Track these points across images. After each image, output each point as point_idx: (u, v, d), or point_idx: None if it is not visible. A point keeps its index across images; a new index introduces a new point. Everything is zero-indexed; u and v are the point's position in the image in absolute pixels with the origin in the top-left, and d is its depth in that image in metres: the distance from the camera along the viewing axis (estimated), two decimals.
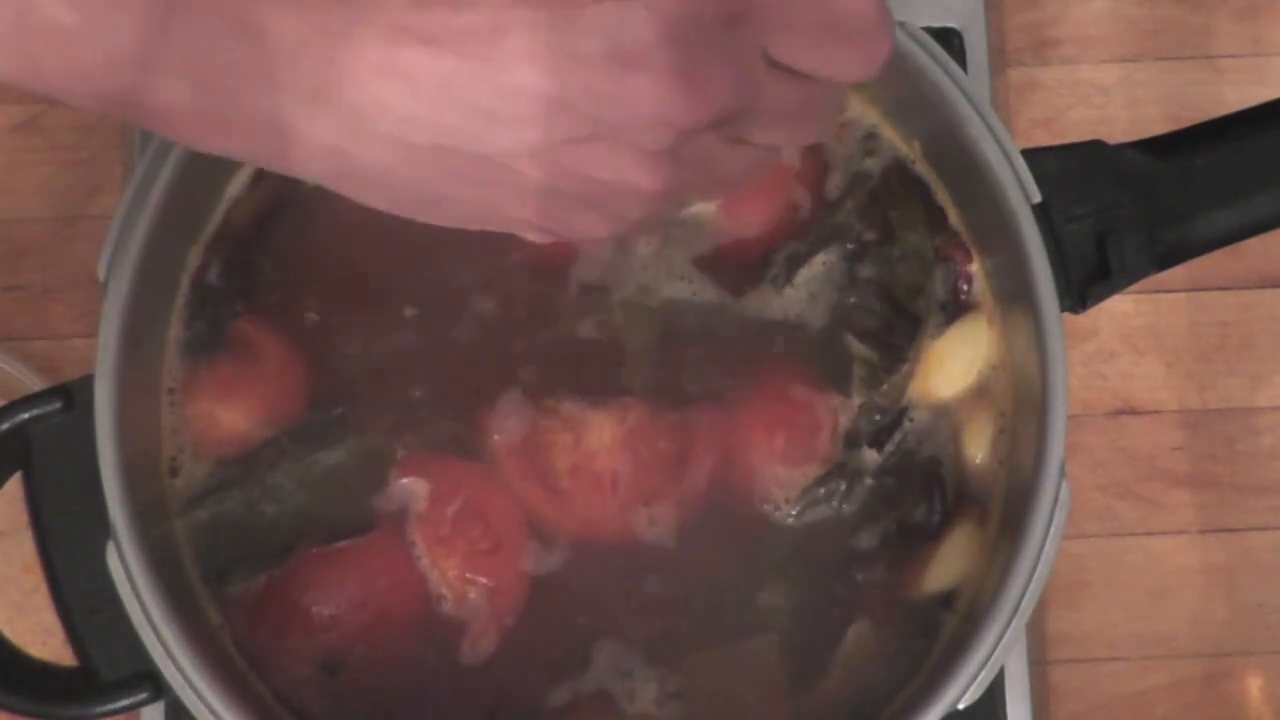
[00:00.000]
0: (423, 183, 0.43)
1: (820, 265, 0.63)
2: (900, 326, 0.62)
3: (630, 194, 0.44)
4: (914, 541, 0.61)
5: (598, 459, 0.61)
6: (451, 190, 0.43)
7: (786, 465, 0.61)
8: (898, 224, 0.63)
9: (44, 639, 0.75)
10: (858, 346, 0.62)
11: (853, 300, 0.63)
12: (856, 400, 0.62)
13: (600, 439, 0.61)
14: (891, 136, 0.64)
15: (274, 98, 0.40)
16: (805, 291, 0.63)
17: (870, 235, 0.63)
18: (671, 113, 0.42)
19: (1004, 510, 0.61)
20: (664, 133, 0.42)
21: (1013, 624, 0.56)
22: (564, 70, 0.41)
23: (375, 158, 0.42)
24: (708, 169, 0.45)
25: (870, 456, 0.62)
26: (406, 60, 0.40)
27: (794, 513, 0.61)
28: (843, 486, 0.61)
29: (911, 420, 0.62)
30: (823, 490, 0.61)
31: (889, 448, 0.62)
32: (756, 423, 0.62)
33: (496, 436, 0.61)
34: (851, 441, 0.62)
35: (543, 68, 0.40)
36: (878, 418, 0.62)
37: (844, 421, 0.62)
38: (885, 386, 0.62)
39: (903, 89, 0.61)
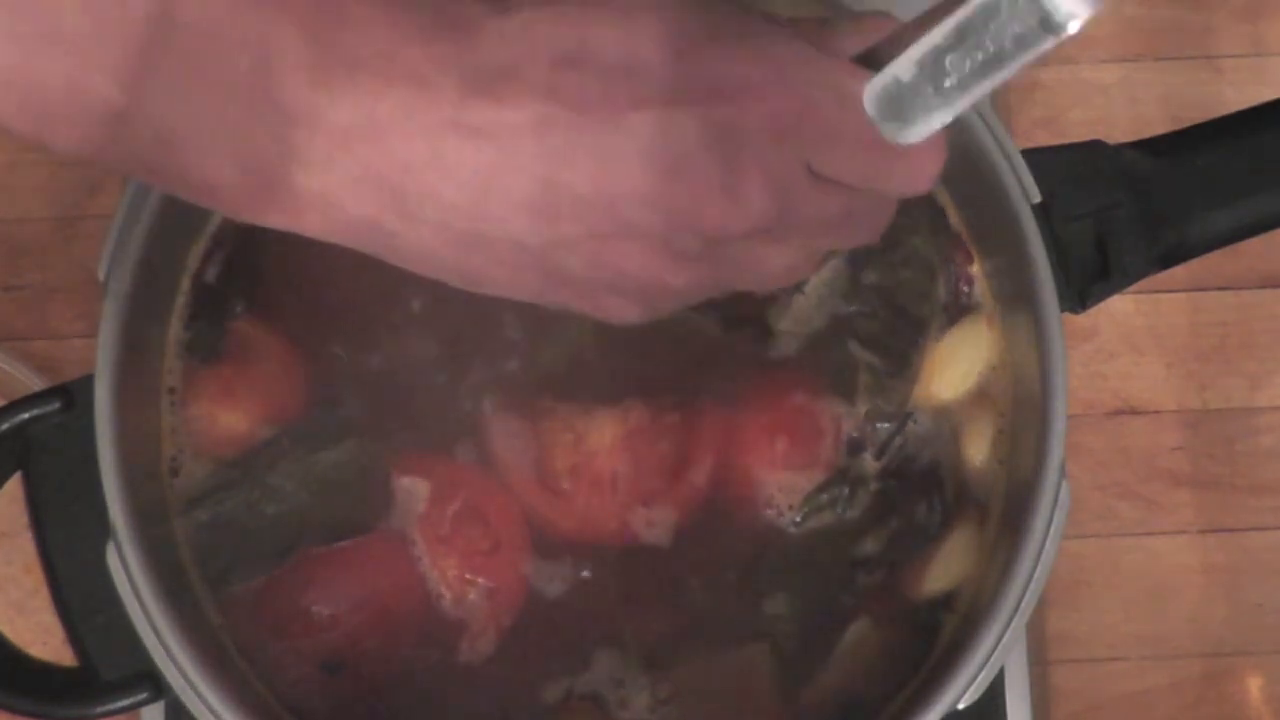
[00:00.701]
0: (464, 262, 0.44)
1: (827, 271, 0.63)
2: (904, 331, 0.62)
3: (659, 289, 0.45)
4: (914, 543, 0.61)
5: (598, 459, 0.61)
6: (490, 271, 0.44)
7: (790, 470, 0.61)
8: (901, 228, 0.63)
9: (44, 639, 0.75)
10: (862, 352, 0.62)
11: (856, 307, 0.63)
12: (862, 406, 0.62)
13: (601, 439, 0.61)
14: None
15: (322, 178, 0.42)
16: (815, 298, 0.63)
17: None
18: (702, 222, 0.43)
19: (1004, 510, 0.61)
20: (693, 238, 0.44)
21: (1013, 624, 0.56)
22: (601, 171, 0.42)
23: (419, 238, 0.43)
24: (745, 268, 0.46)
25: (871, 462, 0.62)
26: (453, 152, 0.41)
27: (797, 519, 0.61)
28: (846, 492, 0.61)
29: (915, 423, 0.62)
30: (826, 496, 0.61)
31: (891, 452, 0.62)
32: (759, 428, 0.62)
33: (496, 436, 0.61)
34: (854, 447, 0.62)
35: (580, 167, 0.42)
36: (882, 424, 0.62)
37: (847, 427, 0.62)
38: (889, 391, 0.62)
39: None
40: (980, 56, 0.43)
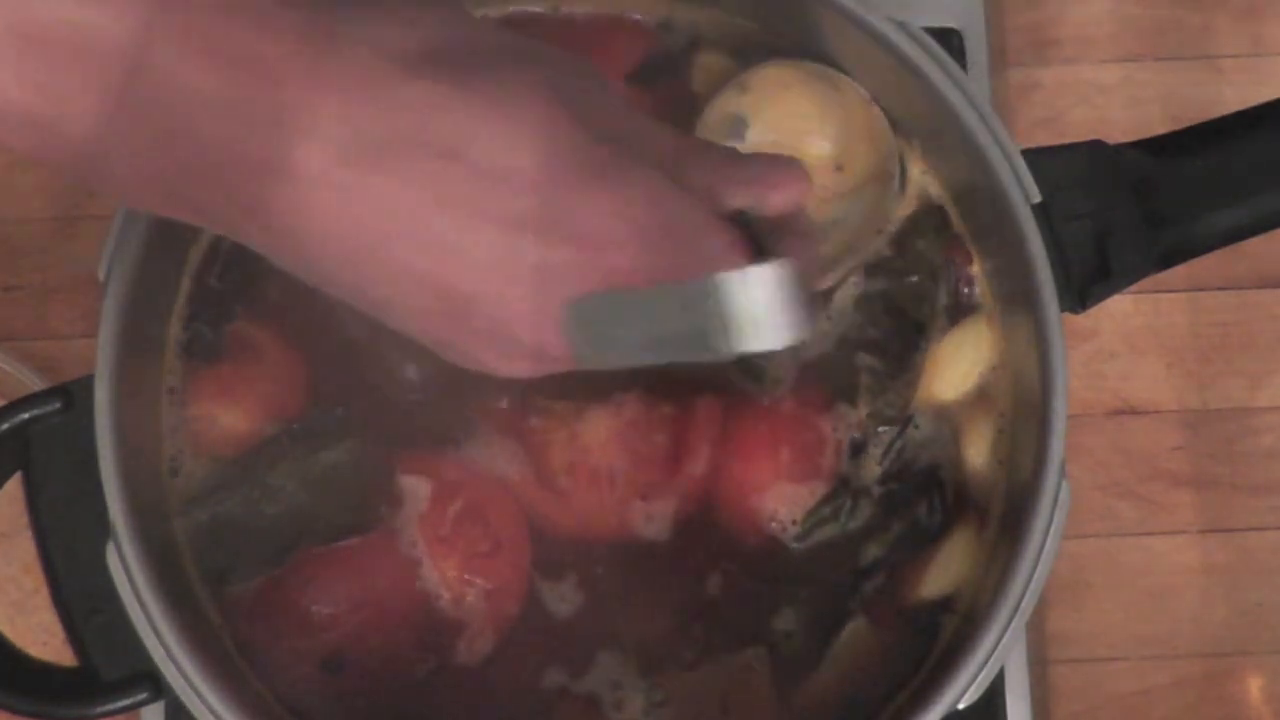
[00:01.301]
0: (328, 284, 0.47)
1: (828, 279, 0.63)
2: (905, 334, 0.62)
3: (491, 368, 0.48)
4: (915, 546, 0.61)
5: (593, 454, 0.61)
6: (349, 299, 0.47)
7: (792, 482, 0.61)
8: (905, 232, 0.63)
9: (44, 639, 0.75)
10: (864, 357, 0.62)
11: (858, 312, 0.62)
12: (864, 409, 0.62)
13: (596, 434, 0.61)
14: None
15: (205, 195, 0.45)
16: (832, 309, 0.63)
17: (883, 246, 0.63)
18: (522, 337, 0.46)
19: (1004, 511, 0.61)
20: (516, 345, 0.46)
21: (1013, 624, 0.56)
22: (441, 261, 0.45)
23: (286, 261, 0.46)
24: (579, 368, 0.48)
25: (873, 468, 0.62)
26: (318, 205, 0.44)
27: (801, 532, 0.61)
28: (848, 504, 0.61)
29: (917, 427, 0.62)
30: (828, 509, 0.61)
31: (892, 455, 0.62)
32: (760, 440, 0.61)
33: (493, 436, 0.61)
34: (856, 452, 0.62)
35: (424, 252, 0.45)
36: (884, 428, 0.62)
37: (848, 433, 0.62)
38: (891, 395, 0.62)
39: (903, 89, 0.61)
40: (673, 333, 0.45)
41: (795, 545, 0.61)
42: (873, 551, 0.61)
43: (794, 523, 0.61)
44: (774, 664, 0.60)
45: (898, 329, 0.62)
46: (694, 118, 0.63)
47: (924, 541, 0.61)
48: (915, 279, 0.62)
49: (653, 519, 0.61)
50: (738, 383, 0.62)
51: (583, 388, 0.61)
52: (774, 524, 0.61)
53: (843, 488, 0.61)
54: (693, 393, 0.62)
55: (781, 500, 0.61)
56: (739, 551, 0.61)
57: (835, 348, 0.62)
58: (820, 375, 0.62)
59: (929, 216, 0.63)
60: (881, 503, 0.61)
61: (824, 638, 0.61)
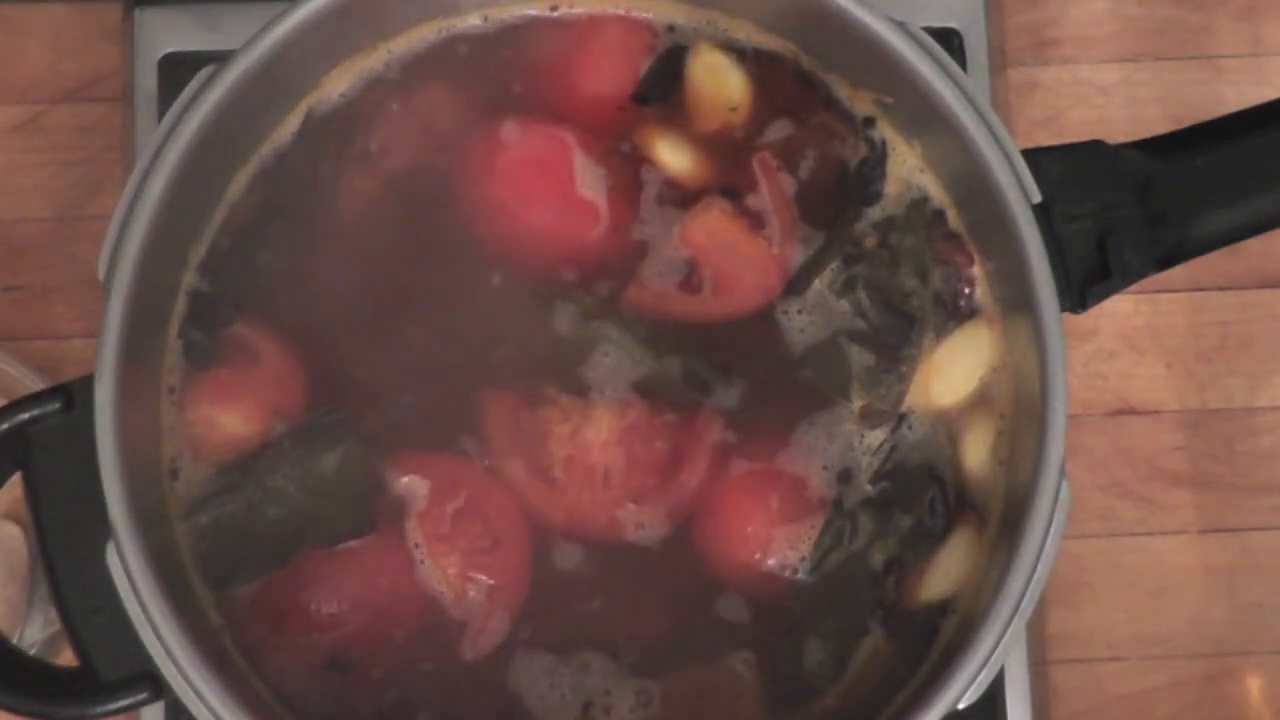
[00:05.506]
0: None
1: (829, 273, 0.63)
2: (896, 327, 0.62)
3: None
4: (920, 548, 0.61)
5: (592, 452, 0.61)
6: None
7: (788, 523, 0.61)
8: (890, 227, 0.63)
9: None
10: (856, 351, 0.62)
11: (849, 305, 0.62)
12: (857, 403, 0.62)
13: (598, 433, 0.61)
14: (893, 138, 0.64)
15: None
16: (811, 300, 0.63)
17: (871, 241, 0.63)
18: None
19: (1004, 511, 0.61)
20: None
21: (1013, 624, 0.56)
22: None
23: None
24: None
25: (864, 485, 0.62)
26: None
27: (811, 565, 0.61)
28: (848, 525, 0.61)
29: (910, 430, 0.62)
30: (829, 537, 0.61)
31: (883, 454, 0.62)
32: (747, 494, 0.62)
33: (495, 421, 0.61)
34: (845, 479, 0.62)
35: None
36: (876, 429, 0.62)
37: (831, 459, 0.62)
38: (883, 389, 0.62)
39: (903, 89, 0.61)
40: None
41: (808, 579, 0.61)
42: (880, 560, 0.61)
43: (802, 559, 0.61)
44: (761, 669, 0.60)
45: (890, 324, 0.62)
46: (691, 127, 0.64)
47: (928, 543, 0.61)
48: (903, 273, 0.62)
49: (642, 525, 0.61)
50: (696, 398, 0.62)
51: (591, 386, 0.61)
52: (787, 570, 0.61)
53: (837, 513, 0.61)
54: (696, 404, 0.62)
55: (786, 543, 0.61)
56: (756, 598, 0.61)
57: (830, 344, 0.62)
58: (816, 370, 0.62)
59: (917, 212, 0.63)
60: (880, 511, 0.61)
61: (846, 657, 0.61)
